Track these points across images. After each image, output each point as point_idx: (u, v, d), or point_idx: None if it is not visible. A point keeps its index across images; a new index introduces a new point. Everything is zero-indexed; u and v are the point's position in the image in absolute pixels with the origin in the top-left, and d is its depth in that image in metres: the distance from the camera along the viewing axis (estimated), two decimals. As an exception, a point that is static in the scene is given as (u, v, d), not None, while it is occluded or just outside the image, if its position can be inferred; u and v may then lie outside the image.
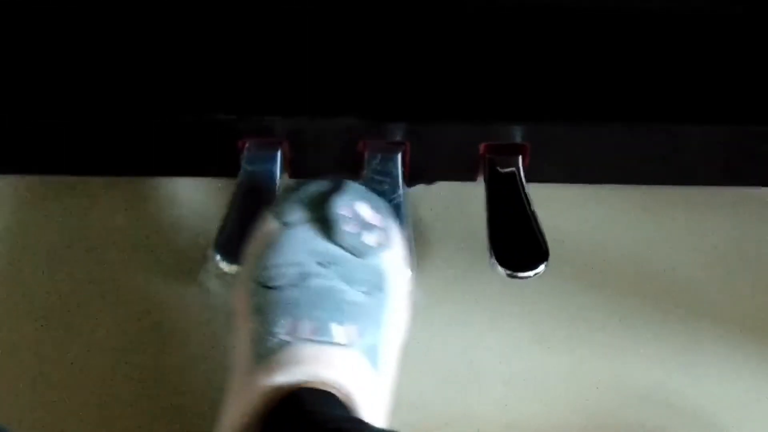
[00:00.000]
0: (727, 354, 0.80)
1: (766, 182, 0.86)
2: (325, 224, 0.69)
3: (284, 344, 0.66)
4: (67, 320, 0.79)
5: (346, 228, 0.69)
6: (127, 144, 0.83)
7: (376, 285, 0.70)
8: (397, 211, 0.78)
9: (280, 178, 0.80)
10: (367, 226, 0.70)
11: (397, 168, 0.80)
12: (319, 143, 0.81)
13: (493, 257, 0.76)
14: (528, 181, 0.80)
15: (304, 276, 0.68)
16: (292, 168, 0.82)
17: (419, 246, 0.80)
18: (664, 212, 0.86)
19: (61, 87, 0.80)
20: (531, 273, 0.76)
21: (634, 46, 0.82)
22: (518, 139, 0.81)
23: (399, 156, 0.81)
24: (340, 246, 0.69)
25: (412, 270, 0.75)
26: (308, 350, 0.66)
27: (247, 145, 0.81)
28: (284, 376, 0.65)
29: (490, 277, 0.77)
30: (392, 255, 0.71)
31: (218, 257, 0.76)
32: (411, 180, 0.83)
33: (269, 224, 0.71)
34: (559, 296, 0.82)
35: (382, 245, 0.70)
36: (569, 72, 0.80)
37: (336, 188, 0.71)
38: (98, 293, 0.80)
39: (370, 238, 0.70)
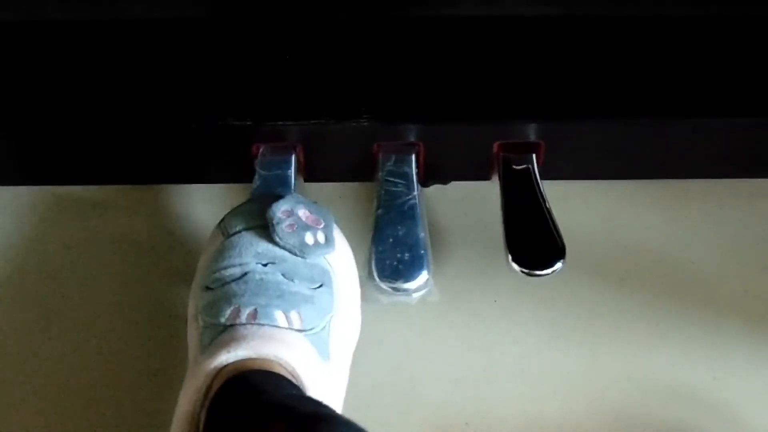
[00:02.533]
0: (748, 346, 0.80)
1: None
2: (266, 229, 0.72)
3: (226, 329, 0.67)
4: (77, 324, 0.80)
5: (287, 229, 0.71)
6: (142, 152, 0.83)
7: (320, 282, 0.71)
8: (412, 211, 0.78)
9: (295, 182, 0.80)
10: (306, 227, 0.72)
11: (411, 169, 0.80)
12: (333, 147, 0.81)
13: (510, 256, 0.76)
14: (543, 178, 0.80)
15: (247, 273, 0.70)
16: (307, 172, 0.82)
17: (435, 246, 0.80)
18: (681, 206, 0.85)
19: (75, 96, 0.80)
20: (548, 271, 0.76)
21: (647, 41, 0.82)
22: (532, 137, 0.80)
23: (413, 157, 0.81)
24: (282, 247, 0.71)
25: (429, 272, 0.76)
26: (250, 329, 0.67)
27: (261, 150, 0.81)
28: (226, 355, 0.66)
29: (507, 275, 0.76)
30: (335, 256, 0.73)
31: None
32: (426, 180, 0.83)
33: (215, 237, 0.74)
34: (576, 293, 0.81)
35: (322, 245, 0.72)
36: (581, 69, 0.80)
37: (277, 197, 0.73)
38: (112, 299, 0.81)
39: (310, 238, 0.72)
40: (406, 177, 0.80)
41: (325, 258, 0.72)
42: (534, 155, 0.81)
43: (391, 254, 0.77)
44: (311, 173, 0.83)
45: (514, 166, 0.80)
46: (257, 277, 0.70)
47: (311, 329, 0.68)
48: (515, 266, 0.76)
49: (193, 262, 0.81)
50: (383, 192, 0.80)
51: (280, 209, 0.72)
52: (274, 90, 0.80)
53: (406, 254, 0.77)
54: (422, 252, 0.77)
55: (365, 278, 0.76)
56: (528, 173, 0.80)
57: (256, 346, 0.66)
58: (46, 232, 0.84)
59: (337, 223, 0.75)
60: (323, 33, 0.81)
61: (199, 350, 0.68)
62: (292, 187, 0.80)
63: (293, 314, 0.68)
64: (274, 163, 0.81)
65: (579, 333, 0.80)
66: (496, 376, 0.78)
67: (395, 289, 0.76)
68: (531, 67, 0.80)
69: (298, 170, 0.81)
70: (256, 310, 0.68)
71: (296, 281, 0.70)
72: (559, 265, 0.76)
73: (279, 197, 0.73)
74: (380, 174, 0.80)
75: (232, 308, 0.68)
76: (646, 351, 0.77)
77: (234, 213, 0.74)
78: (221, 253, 0.72)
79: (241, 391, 0.64)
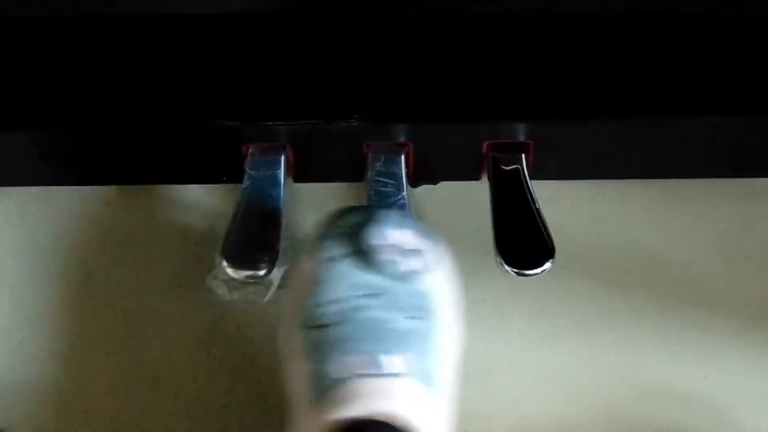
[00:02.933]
0: (738, 346, 0.80)
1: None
2: (362, 256, 0.70)
3: (338, 382, 0.67)
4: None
5: (383, 257, 0.69)
6: (131, 152, 0.83)
7: (422, 308, 0.70)
8: (402, 211, 0.78)
9: (285, 182, 0.80)
10: (403, 252, 0.70)
11: (401, 169, 0.80)
12: (322, 147, 0.81)
13: (500, 256, 0.76)
14: (532, 178, 0.80)
15: (349, 311, 0.69)
16: (297, 172, 0.82)
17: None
18: (671, 206, 0.85)
19: (62, 96, 0.80)
20: (538, 270, 0.76)
21: (635, 40, 0.81)
22: (521, 137, 0.80)
23: (402, 157, 0.80)
24: (380, 276, 0.70)
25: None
26: (361, 385, 0.67)
27: (251, 150, 0.81)
28: (341, 413, 0.66)
29: (497, 275, 0.76)
30: (435, 275, 0.71)
31: (225, 263, 0.76)
32: (415, 180, 0.83)
33: (308, 263, 0.72)
34: (567, 293, 0.81)
35: (422, 268, 0.70)
36: (570, 69, 0.80)
37: (369, 218, 0.71)
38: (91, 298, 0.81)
39: (408, 264, 0.70)
40: (396, 177, 0.80)
41: (425, 280, 0.71)
42: (523, 155, 0.80)
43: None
44: (301, 174, 0.82)
45: (504, 166, 0.80)
46: (359, 316, 0.69)
47: (418, 366, 0.68)
48: (505, 266, 0.76)
49: (182, 262, 0.82)
50: (373, 192, 0.79)
51: (375, 235, 0.70)
52: (264, 90, 0.79)
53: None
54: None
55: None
56: (517, 173, 0.80)
57: (369, 405, 0.66)
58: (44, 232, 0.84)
59: (431, 231, 0.73)
60: (313, 33, 0.81)
61: (309, 402, 0.68)
62: (282, 188, 0.79)
63: (400, 357, 0.68)
64: (264, 164, 0.80)
65: (570, 333, 0.80)
66: (488, 377, 0.78)
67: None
68: (520, 66, 0.80)
69: (287, 171, 0.81)
70: (363, 358, 0.67)
71: (399, 314, 0.69)
72: (548, 265, 0.76)
73: (370, 215, 0.71)
74: (370, 174, 0.80)
75: (338, 356, 0.67)
76: (637, 351, 0.77)
77: (325, 235, 0.72)
78: (318, 285, 0.70)
79: None
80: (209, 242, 0.82)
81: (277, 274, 0.77)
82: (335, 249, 0.70)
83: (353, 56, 0.81)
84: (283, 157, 0.81)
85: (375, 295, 0.69)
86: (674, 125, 0.81)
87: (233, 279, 0.77)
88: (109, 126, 0.80)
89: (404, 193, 0.79)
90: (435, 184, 0.84)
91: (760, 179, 0.86)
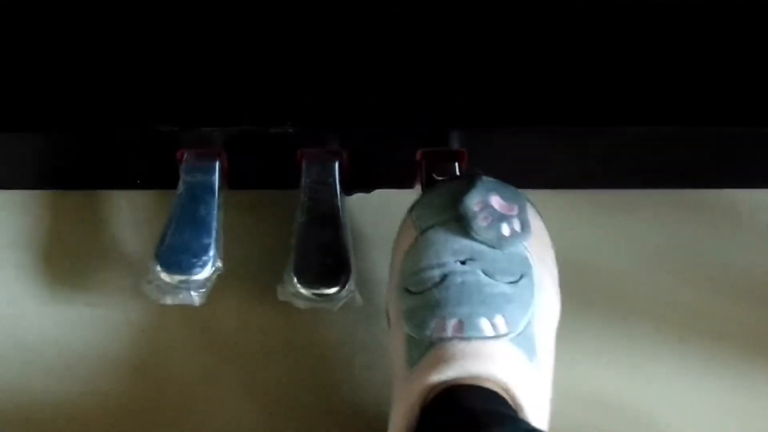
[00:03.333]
0: (670, 356, 0.80)
1: (707, 184, 0.87)
2: (461, 222, 0.71)
3: (433, 345, 0.68)
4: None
5: (482, 223, 0.71)
6: (66, 156, 0.83)
7: (520, 273, 0.71)
8: (335, 219, 0.79)
9: (220, 188, 0.80)
10: (502, 217, 0.72)
11: (334, 176, 0.80)
12: (256, 153, 0.81)
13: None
14: (466, 187, 0.80)
15: (447, 275, 0.70)
16: (230, 178, 0.82)
17: (358, 253, 0.80)
18: (605, 216, 0.86)
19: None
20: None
21: (569, 47, 0.82)
22: (455, 146, 0.81)
23: (336, 164, 0.81)
24: (479, 241, 0.71)
25: (352, 278, 0.76)
26: (457, 347, 0.67)
27: (185, 156, 0.81)
28: (437, 376, 0.67)
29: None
30: (532, 240, 0.73)
31: (158, 267, 0.77)
32: (349, 188, 0.83)
33: (408, 231, 0.74)
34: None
35: (519, 233, 0.72)
36: (504, 77, 0.80)
37: (468, 185, 0.73)
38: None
39: (506, 229, 0.71)
40: (330, 185, 0.80)
41: (523, 244, 0.72)
42: (457, 164, 0.81)
43: (314, 261, 0.77)
44: (235, 180, 0.82)
45: (436, 175, 0.80)
46: (458, 280, 0.70)
47: (516, 330, 0.69)
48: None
49: (120, 267, 0.82)
50: (307, 199, 0.79)
51: (473, 201, 0.71)
52: (199, 95, 0.79)
53: (329, 260, 0.77)
54: (345, 258, 0.77)
55: (287, 284, 0.76)
56: (450, 182, 0.80)
57: (466, 366, 0.67)
58: None
59: (529, 201, 0.75)
60: (247, 39, 0.81)
61: (407, 365, 0.69)
62: (216, 194, 0.79)
63: (498, 319, 0.68)
64: (198, 170, 0.81)
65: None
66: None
67: (318, 295, 0.76)
68: (455, 73, 0.81)
69: (222, 177, 0.81)
70: (461, 321, 0.68)
71: (497, 278, 0.70)
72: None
73: (469, 184, 0.73)
74: (304, 181, 0.80)
75: (436, 320, 0.68)
76: (569, 360, 0.77)
77: (424, 204, 0.74)
78: (418, 252, 0.72)
79: (451, 409, 0.65)
80: (141, 248, 0.82)
81: (210, 277, 0.77)
82: (434, 217, 0.73)
83: (287, 62, 0.81)
84: (217, 164, 0.81)
85: (472, 260, 0.70)
86: (607, 134, 0.81)
87: (166, 283, 0.77)
88: (42, 129, 0.79)
89: (338, 200, 0.80)
90: (369, 192, 0.85)
91: (696, 190, 0.87)
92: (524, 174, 0.84)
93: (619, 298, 0.82)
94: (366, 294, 0.79)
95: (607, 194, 0.86)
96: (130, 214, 0.85)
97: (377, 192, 0.85)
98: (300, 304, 0.77)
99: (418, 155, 0.81)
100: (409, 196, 0.82)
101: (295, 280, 0.76)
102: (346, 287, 0.76)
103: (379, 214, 0.84)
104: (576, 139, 0.82)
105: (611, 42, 0.82)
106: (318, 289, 0.76)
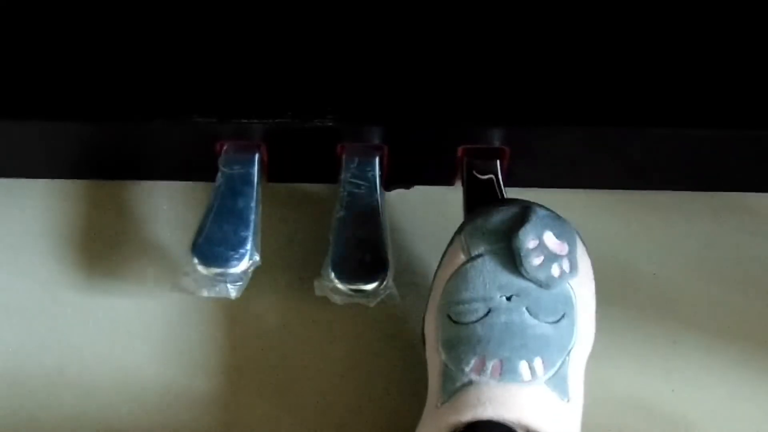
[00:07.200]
0: (706, 359, 0.80)
1: (743, 187, 0.86)
2: (512, 255, 0.70)
3: (471, 383, 0.68)
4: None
5: (534, 261, 0.70)
6: (105, 148, 0.83)
7: (563, 312, 0.70)
8: (374, 214, 0.78)
9: (259, 181, 0.80)
10: (553, 257, 0.71)
11: (374, 172, 0.80)
12: (296, 146, 0.81)
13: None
14: (507, 185, 0.80)
15: (491, 311, 0.69)
16: (270, 172, 0.82)
17: (396, 250, 0.80)
18: (646, 218, 0.85)
19: (36, 87, 0.79)
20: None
21: (616, 47, 0.81)
22: (497, 143, 0.80)
23: (377, 159, 0.80)
24: (528, 279, 0.70)
25: (389, 275, 0.76)
26: (494, 391, 0.67)
27: (225, 147, 0.81)
28: (469, 415, 0.66)
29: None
30: (578, 279, 0.72)
31: (195, 259, 0.76)
32: (389, 184, 0.83)
33: (456, 253, 0.73)
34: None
35: (567, 274, 0.71)
36: (549, 75, 0.80)
37: (523, 216, 0.71)
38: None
39: (556, 270, 0.70)
40: (369, 180, 0.80)
41: (569, 283, 0.71)
42: (498, 161, 0.80)
43: (352, 256, 0.77)
44: (274, 173, 0.82)
45: (478, 173, 0.80)
46: (502, 318, 0.69)
47: (552, 371, 0.68)
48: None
49: (157, 259, 0.82)
50: (346, 194, 0.79)
51: (528, 238, 0.70)
52: (240, 87, 0.79)
53: (367, 256, 0.77)
54: (383, 255, 0.77)
55: (325, 279, 0.76)
56: (491, 180, 0.80)
57: (498, 411, 0.66)
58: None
59: (578, 235, 0.74)
60: (290, 32, 0.81)
61: (441, 396, 0.69)
62: (255, 187, 0.79)
63: (537, 362, 0.68)
64: (238, 162, 0.80)
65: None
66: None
67: (355, 291, 0.76)
68: (499, 71, 0.80)
69: (261, 170, 0.81)
70: (500, 362, 0.68)
71: (540, 318, 0.69)
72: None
73: (524, 216, 0.71)
74: (343, 176, 0.80)
75: (476, 358, 0.68)
76: (605, 362, 0.77)
77: (477, 228, 0.73)
78: (465, 280, 0.71)
79: None
80: (178, 239, 0.82)
81: (247, 271, 0.77)
82: (487, 244, 0.72)
83: (330, 55, 0.80)
84: (257, 156, 0.80)
85: (517, 296, 0.70)
86: (650, 135, 0.80)
87: (203, 276, 0.76)
88: (82, 120, 0.79)
89: (377, 195, 0.79)
90: (408, 188, 0.84)
91: (736, 193, 0.86)
92: (566, 173, 0.84)
93: (658, 300, 0.82)
94: (402, 291, 0.78)
95: (649, 195, 0.86)
96: (167, 206, 0.85)
97: (417, 188, 0.84)
98: (337, 299, 0.76)
99: (460, 152, 0.81)
100: (449, 193, 0.82)
101: (333, 275, 0.76)
102: (384, 284, 0.76)
103: (418, 210, 0.84)
104: (616, 139, 0.81)
105: (653, 46, 0.81)
106: (355, 284, 0.76)
